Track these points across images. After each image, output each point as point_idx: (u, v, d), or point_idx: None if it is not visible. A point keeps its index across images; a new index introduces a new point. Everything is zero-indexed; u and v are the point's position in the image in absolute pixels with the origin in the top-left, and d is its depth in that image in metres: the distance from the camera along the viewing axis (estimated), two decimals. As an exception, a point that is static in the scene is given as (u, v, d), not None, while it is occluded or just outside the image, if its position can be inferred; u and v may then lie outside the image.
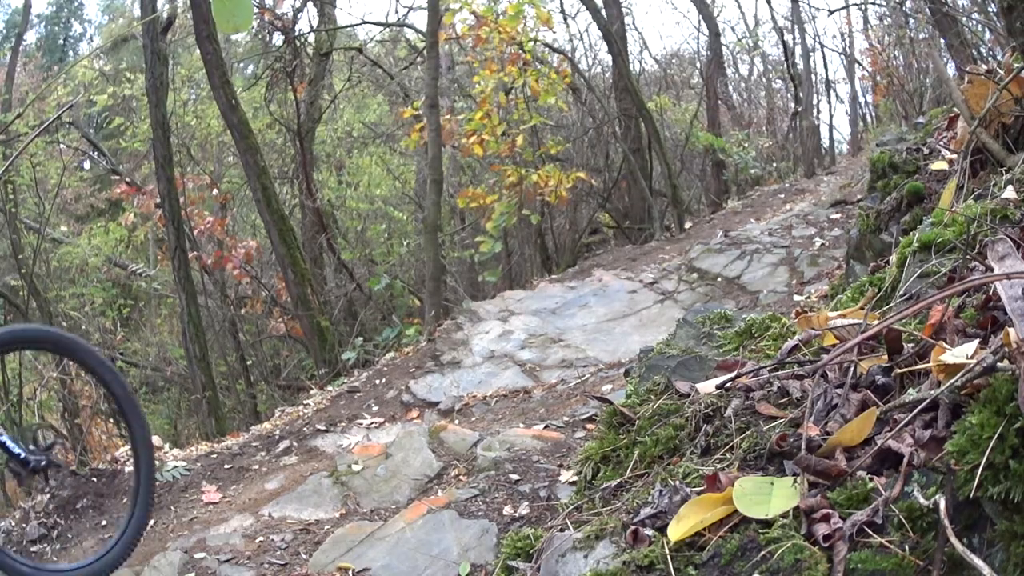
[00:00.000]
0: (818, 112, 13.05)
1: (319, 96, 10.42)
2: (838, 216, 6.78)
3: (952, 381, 1.17)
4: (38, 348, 3.62)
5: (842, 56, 13.79)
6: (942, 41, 7.11)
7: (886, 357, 1.46)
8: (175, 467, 3.73)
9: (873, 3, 11.23)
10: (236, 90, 7.39)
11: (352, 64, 11.54)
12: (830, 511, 1.15)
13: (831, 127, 17.66)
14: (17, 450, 2.67)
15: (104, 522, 3.28)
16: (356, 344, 6.86)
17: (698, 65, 14.06)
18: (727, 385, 1.66)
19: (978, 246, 1.54)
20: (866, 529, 1.11)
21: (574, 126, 11.27)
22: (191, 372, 7.79)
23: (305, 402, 5.18)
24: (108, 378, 2.84)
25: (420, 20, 10.94)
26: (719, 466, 1.46)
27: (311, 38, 10.35)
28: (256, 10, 9.75)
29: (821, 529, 1.13)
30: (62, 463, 3.47)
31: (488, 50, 9.04)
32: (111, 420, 7.87)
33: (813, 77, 12.14)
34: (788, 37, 12.05)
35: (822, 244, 6.11)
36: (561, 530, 1.56)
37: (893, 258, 1.93)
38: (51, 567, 2.80)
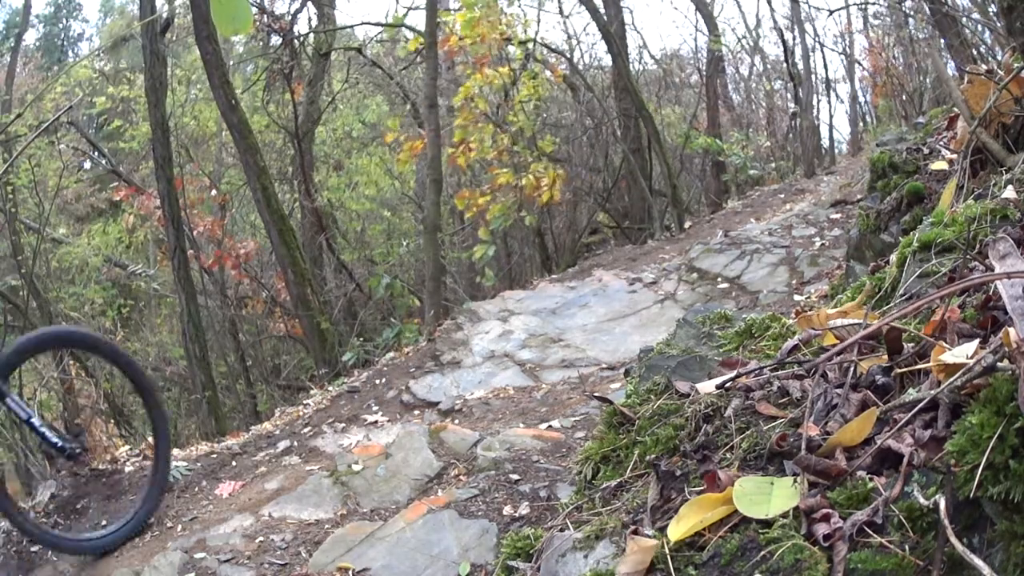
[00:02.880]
0: (818, 112, 13.04)
1: (318, 97, 10.42)
2: (838, 216, 6.77)
3: (952, 381, 1.17)
4: (71, 347, 3.97)
5: (842, 56, 13.79)
6: (942, 41, 7.11)
7: (886, 357, 1.46)
8: (175, 467, 3.73)
9: (873, 3, 11.22)
10: (236, 90, 7.39)
11: (351, 64, 11.53)
12: (830, 511, 1.15)
13: (831, 127, 17.64)
14: (55, 439, 3.11)
15: (104, 522, 3.28)
16: (356, 344, 6.86)
17: (698, 65, 14.06)
18: (727, 385, 1.66)
19: (978, 246, 1.54)
20: (866, 529, 1.11)
21: (573, 126, 11.26)
22: (191, 372, 7.80)
23: (305, 402, 5.18)
24: (132, 372, 3.34)
25: (420, 20, 10.93)
26: (719, 466, 1.46)
27: (310, 38, 10.35)
28: (255, 11, 9.75)
29: (821, 529, 1.13)
30: (89, 448, 3.76)
31: (480, 53, 9.02)
32: (111, 421, 7.86)
33: (813, 77, 12.13)
34: (788, 37, 12.06)
35: (822, 244, 6.10)
36: (561, 530, 1.56)
37: (893, 258, 1.92)
38: (71, 536, 3.19)
